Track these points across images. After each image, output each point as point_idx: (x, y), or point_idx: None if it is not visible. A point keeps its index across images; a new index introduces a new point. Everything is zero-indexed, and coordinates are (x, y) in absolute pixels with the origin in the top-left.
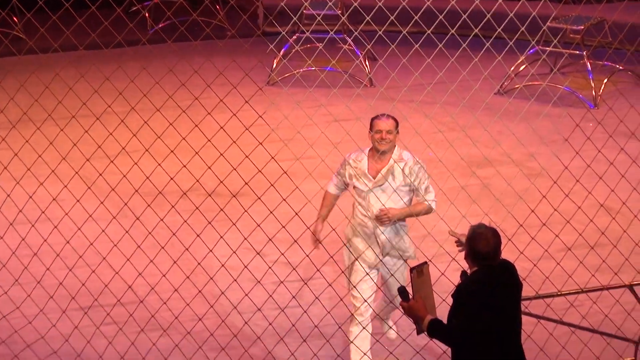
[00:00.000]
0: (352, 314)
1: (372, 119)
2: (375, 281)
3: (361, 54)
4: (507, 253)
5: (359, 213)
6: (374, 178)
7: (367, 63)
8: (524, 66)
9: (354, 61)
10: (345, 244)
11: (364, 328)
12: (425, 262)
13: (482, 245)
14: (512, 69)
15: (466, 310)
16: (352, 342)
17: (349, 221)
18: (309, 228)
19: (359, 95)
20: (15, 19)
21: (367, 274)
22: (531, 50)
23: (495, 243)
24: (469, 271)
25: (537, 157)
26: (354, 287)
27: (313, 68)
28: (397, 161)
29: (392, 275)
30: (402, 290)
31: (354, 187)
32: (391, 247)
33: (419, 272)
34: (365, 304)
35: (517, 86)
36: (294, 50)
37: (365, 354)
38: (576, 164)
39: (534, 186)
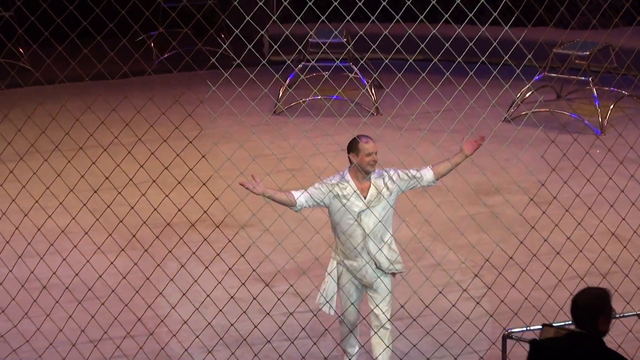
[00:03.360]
0: (341, 318)
1: (356, 143)
2: (358, 301)
3: (367, 82)
4: (519, 283)
5: (346, 233)
6: (365, 198)
7: (373, 91)
8: (529, 93)
9: (360, 89)
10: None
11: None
12: None
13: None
14: (518, 95)
15: None
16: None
17: (335, 247)
18: (317, 259)
19: (365, 124)
20: (21, 49)
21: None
22: (537, 77)
23: (581, 305)
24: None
25: (545, 185)
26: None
27: (319, 97)
28: (376, 178)
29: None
30: None
31: (339, 209)
32: (385, 261)
33: None
34: (355, 318)
35: (523, 113)
36: (299, 79)
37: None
38: (584, 191)
39: (545, 215)
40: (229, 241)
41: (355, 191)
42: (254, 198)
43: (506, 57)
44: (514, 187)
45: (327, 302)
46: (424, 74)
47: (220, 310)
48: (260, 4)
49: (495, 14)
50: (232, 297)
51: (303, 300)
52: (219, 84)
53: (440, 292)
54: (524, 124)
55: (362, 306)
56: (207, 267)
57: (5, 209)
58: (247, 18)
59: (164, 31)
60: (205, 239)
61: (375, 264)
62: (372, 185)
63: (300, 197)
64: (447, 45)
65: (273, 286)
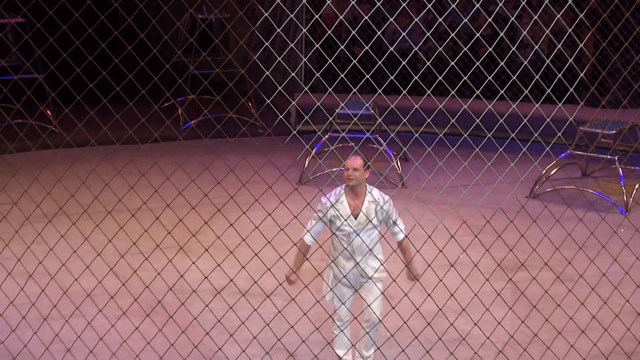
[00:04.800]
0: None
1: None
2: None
3: (393, 155)
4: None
5: (338, 246)
6: (356, 219)
7: (399, 164)
8: (555, 170)
9: (384, 161)
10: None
11: (342, 331)
12: None
13: None
14: (544, 172)
15: None
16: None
17: (328, 255)
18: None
19: (393, 197)
20: (49, 112)
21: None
22: (563, 155)
23: None
24: None
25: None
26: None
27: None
28: (370, 202)
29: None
30: None
31: (335, 225)
32: (370, 270)
33: None
34: (346, 314)
35: (549, 190)
36: (329, 150)
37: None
38: (610, 270)
39: (571, 292)
40: (255, 310)
41: (348, 214)
42: (280, 267)
43: (536, 135)
44: (538, 263)
45: (331, 289)
46: (453, 149)
47: None
48: (293, 74)
49: (527, 91)
50: None
51: None
52: (247, 152)
53: None
54: (547, 201)
55: (354, 305)
56: (231, 335)
57: (32, 270)
58: (279, 88)
59: (195, 98)
60: (230, 307)
61: (360, 273)
62: (365, 208)
63: (308, 238)
64: (478, 120)
65: (296, 355)
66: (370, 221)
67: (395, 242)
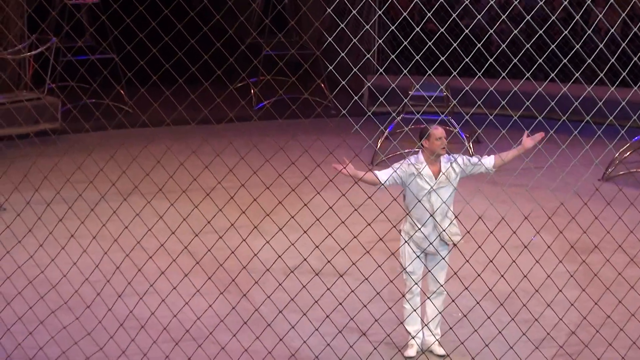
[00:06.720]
0: (403, 295)
1: (428, 130)
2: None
3: (466, 137)
4: (616, 342)
5: (416, 211)
6: (436, 179)
7: (471, 145)
8: (628, 152)
9: (459, 143)
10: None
11: (414, 310)
12: None
13: None
14: (617, 154)
15: None
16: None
17: (405, 219)
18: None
19: (465, 178)
20: (122, 92)
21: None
22: (636, 138)
23: None
24: None
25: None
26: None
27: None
28: (445, 163)
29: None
30: None
31: (414, 186)
32: (446, 233)
33: None
34: (416, 287)
35: (621, 173)
36: (403, 131)
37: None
38: None
39: None
40: (328, 289)
41: (429, 174)
42: (354, 247)
43: (611, 118)
44: (611, 246)
45: (404, 269)
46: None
47: (317, 357)
48: (368, 56)
49: (602, 75)
50: (328, 344)
51: (399, 351)
52: (320, 133)
53: (536, 348)
54: (620, 184)
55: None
56: (304, 314)
57: (107, 248)
58: (355, 70)
59: (270, 79)
60: (304, 286)
61: (439, 235)
62: (442, 168)
63: (384, 175)
64: (552, 103)
65: (369, 334)
66: (452, 183)
67: (493, 167)
